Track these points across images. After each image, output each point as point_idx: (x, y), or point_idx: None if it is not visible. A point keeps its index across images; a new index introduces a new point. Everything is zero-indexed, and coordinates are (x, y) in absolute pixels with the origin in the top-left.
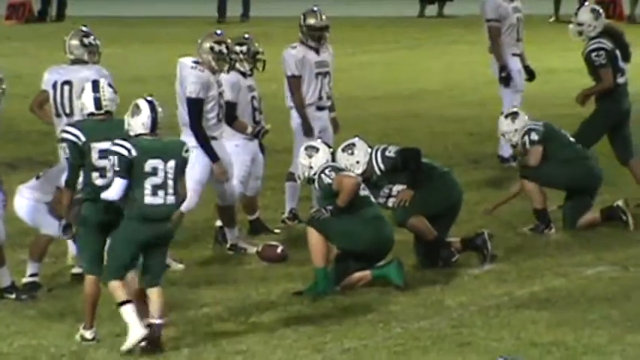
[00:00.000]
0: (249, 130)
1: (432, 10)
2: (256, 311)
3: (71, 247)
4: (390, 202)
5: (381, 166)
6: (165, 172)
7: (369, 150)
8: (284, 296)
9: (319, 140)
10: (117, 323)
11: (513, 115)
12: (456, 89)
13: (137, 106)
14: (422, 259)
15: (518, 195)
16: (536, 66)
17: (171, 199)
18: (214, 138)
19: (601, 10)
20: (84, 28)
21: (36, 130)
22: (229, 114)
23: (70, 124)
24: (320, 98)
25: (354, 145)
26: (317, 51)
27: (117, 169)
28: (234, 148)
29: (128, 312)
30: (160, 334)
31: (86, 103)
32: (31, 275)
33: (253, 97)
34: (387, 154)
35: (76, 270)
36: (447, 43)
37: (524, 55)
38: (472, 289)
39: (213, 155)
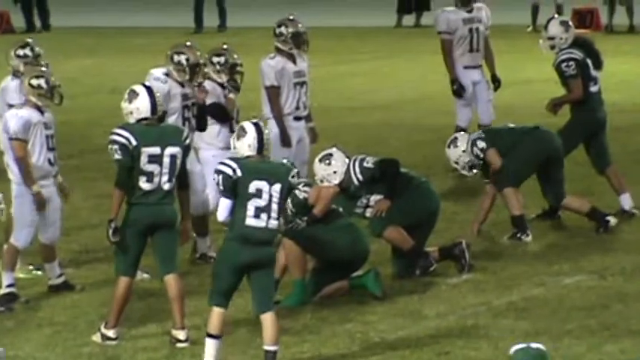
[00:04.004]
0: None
1: (409, 20)
2: (233, 321)
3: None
4: (368, 213)
5: (359, 177)
6: (270, 195)
7: (347, 160)
8: None
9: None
10: (90, 334)
11: (454, 141)
12: (433, 99)
13: (243, 129)
14: (399, 269)
15: (493, 205)
16: (512, 76)
17: (273, 222)
18: None
19: (570, 22)
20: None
21: None
22: (204, 121)
23: (121, 127)
24: (297, 108)
25: (331, 155)
26: (294, 61)
27: (221, 188)
28: (211, 158)
29: (210, 345)
30: None
31: (141, 108)
32: (8, 286)
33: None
34: (365, 164)
35: (53, 282)
36: (423, 53)
37: (493, 65)
38: (450, 298)
39: None
